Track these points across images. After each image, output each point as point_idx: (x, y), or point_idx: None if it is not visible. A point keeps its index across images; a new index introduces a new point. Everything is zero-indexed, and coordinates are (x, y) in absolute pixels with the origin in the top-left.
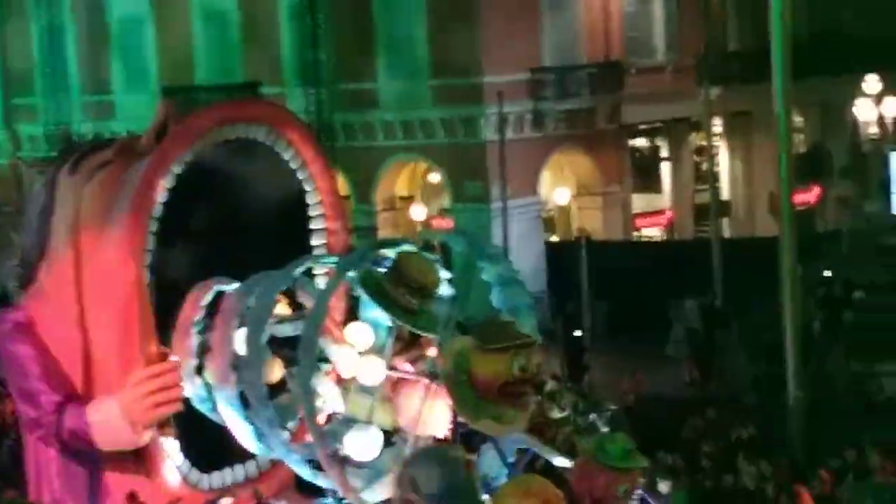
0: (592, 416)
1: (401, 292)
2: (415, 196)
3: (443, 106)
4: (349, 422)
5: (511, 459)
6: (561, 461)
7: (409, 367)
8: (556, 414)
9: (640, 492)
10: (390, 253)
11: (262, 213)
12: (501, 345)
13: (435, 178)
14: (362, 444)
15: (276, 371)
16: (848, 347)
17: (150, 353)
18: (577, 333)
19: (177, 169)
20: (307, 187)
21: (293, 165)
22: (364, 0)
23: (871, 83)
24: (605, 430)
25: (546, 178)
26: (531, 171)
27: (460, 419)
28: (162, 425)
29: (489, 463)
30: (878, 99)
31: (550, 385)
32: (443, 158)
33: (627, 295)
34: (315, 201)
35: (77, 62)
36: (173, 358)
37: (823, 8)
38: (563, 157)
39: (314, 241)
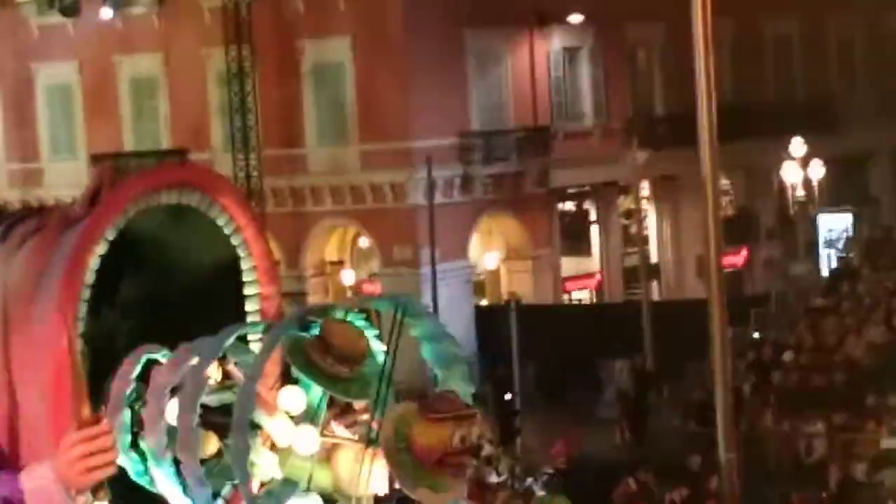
0: (529, 481)
1: (329, 362)
2: (345, 261)
3: (371, 170)
4: (288, 485)
5: None
6: None
7: (345, 431)
8: (494, 479)
9: None
10: (319, 319)
11: (195, 278)
12: (443, 415)
13: (365, 242)
14: None
15: (211, 445)
16: (777, 408)
17: (82, 419)
18: (508, 397)
19: (110, 235)
20: (241, 253)
21: (226, 231)
22: (293, 65)
23: (797, 147)
24: (541, 493)
25: (475, 241)
26: (460, 234)
27: (397, 486)
28: (96, 490)
29: None
30: (804, 162)
31: (487, 450)
32: (372, 223)
33: (558, 358)
34: (249, 266)
35: (3, 129)
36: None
37: (749, 73)
38: (492, 221)
39: (248, 307)
